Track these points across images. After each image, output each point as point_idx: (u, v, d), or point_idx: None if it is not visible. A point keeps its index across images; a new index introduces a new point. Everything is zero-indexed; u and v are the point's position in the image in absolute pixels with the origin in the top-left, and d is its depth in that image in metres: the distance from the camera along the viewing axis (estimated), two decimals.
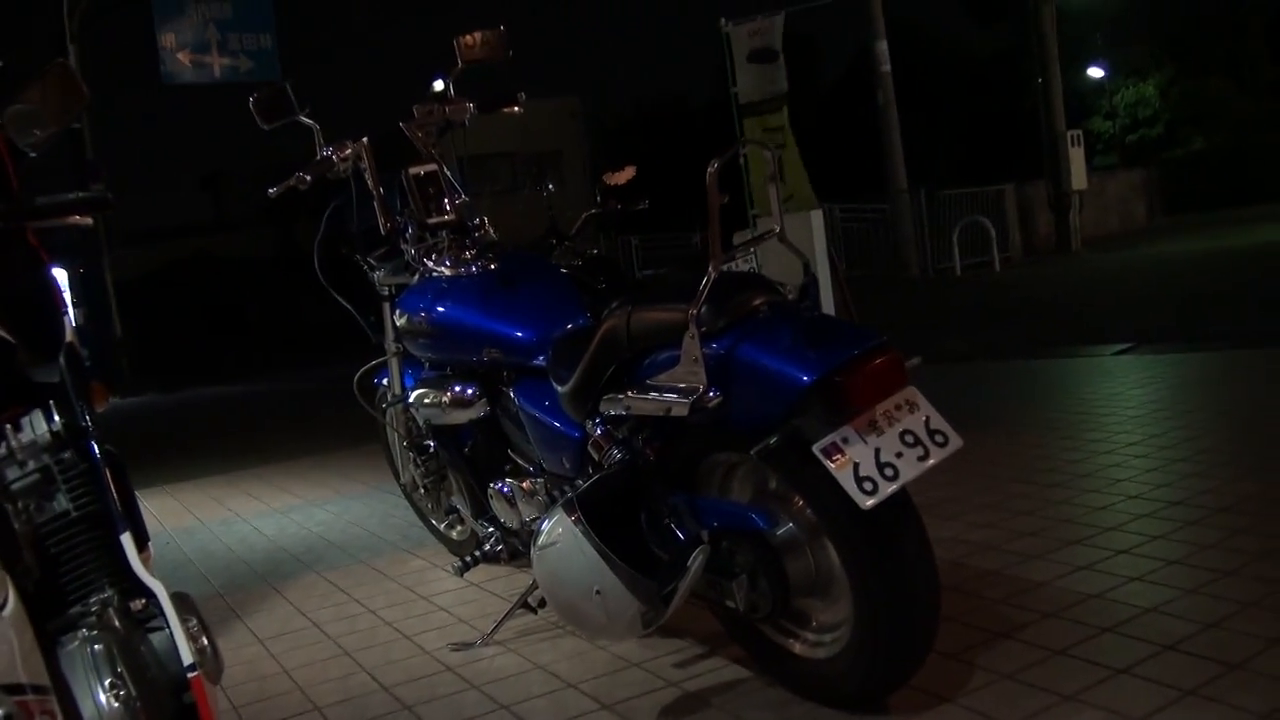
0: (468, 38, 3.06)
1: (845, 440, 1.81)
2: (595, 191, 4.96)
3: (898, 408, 1.85)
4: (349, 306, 3.23)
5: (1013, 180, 17.97)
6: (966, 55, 27.95)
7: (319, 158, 2.84)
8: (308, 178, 2.77)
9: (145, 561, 1.69)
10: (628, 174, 4.97)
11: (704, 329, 1.92)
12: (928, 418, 1.85)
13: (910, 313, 10.58)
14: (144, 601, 1.53)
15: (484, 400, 2.70)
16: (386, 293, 3.08)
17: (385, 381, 3.27)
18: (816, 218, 7.55)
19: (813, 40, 25.78)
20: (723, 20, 8.89)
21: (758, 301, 1.98)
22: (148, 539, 1.93)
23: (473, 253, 2.77)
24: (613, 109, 35.32)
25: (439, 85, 3.07)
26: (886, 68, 15.77)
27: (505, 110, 3.12)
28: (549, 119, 24.10)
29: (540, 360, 2.49)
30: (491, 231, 2.99)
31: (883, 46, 15.63)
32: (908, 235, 16.56)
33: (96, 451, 1.61)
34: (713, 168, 1.90)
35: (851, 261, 16.37)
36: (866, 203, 17.65)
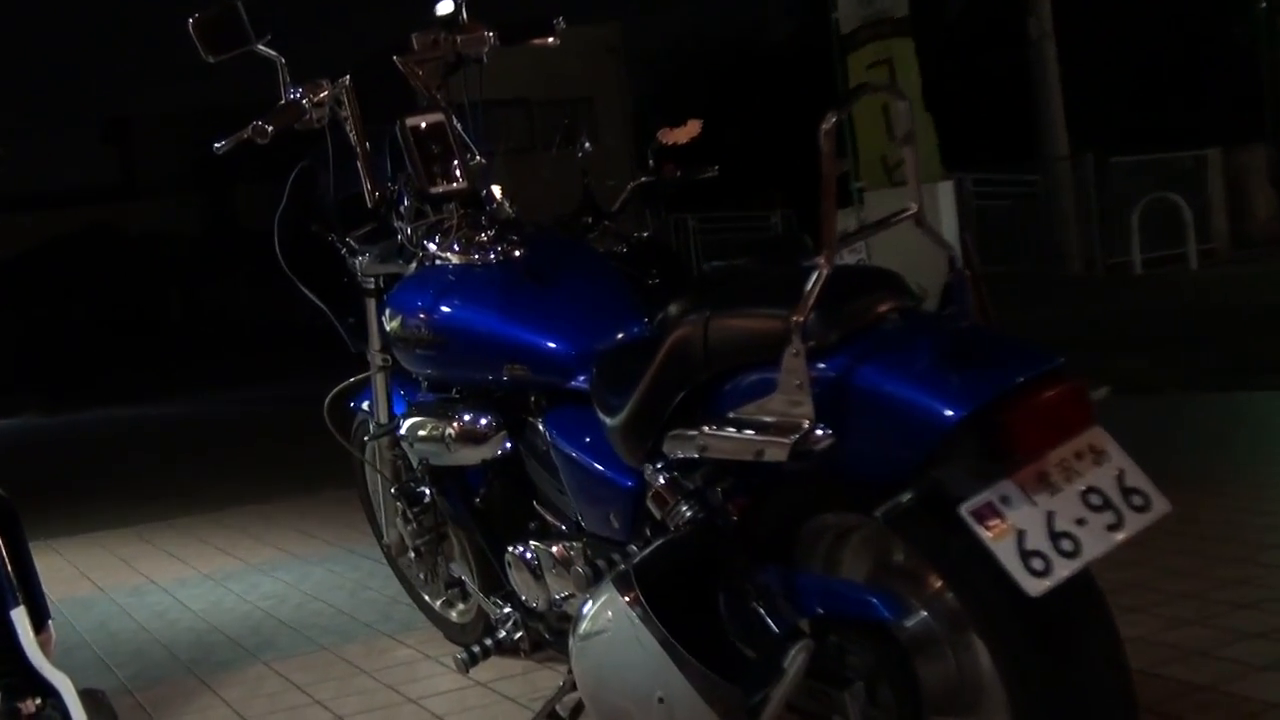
0: None
1: (1006, 500, 1.81)
2: (648, 154, 5.04)
3: (1079, 456, 1.84)
4: (319, 302, 3.28)
5: (1219, 144, 17.83)
6: None
7: (283, 101, 2.89)
8: (269, 128, 2.82)
9: (44, 646, 1.73)
10: (690, 131, 5.02)
11: (812, 343, 1.93)
12: (1121, 471, 1.84)
13: (1073, 323, 10.52)
14: (40, 701, 1.56)
15: (502, 434, 2.73)
16: (372, 286, 3.13)
17: (366, 406, 3.31)
18: (945, 192, 7.57)
19: None
20: None
21: (885, 307, 1.98)
22: (48, 616, 1.97)
23: (490, 234, 2.81)
24: (664, 41, 35.46)
25: (446, 6, 3.12)
26: None
27: (536, 42, 3.17)
28: (579, 54, 24.34)
29: (581, 381, 2.51)
30: (508, 205, 3.03)
31: None
32: (1068, 218, 16.49)
33: None
34: (829, 124, 1.91)
35: (990, 252, 16.29)
36: (1010, 173, 17.59)
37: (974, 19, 28.58)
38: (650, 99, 32.40)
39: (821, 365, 1.93)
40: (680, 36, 34.41)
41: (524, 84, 22.75)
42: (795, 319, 1.91)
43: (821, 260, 1.93)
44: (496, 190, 3.02)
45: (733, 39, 32.93)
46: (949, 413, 1.78)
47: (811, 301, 1.91)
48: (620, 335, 2.56)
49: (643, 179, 5.06)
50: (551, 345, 2.57)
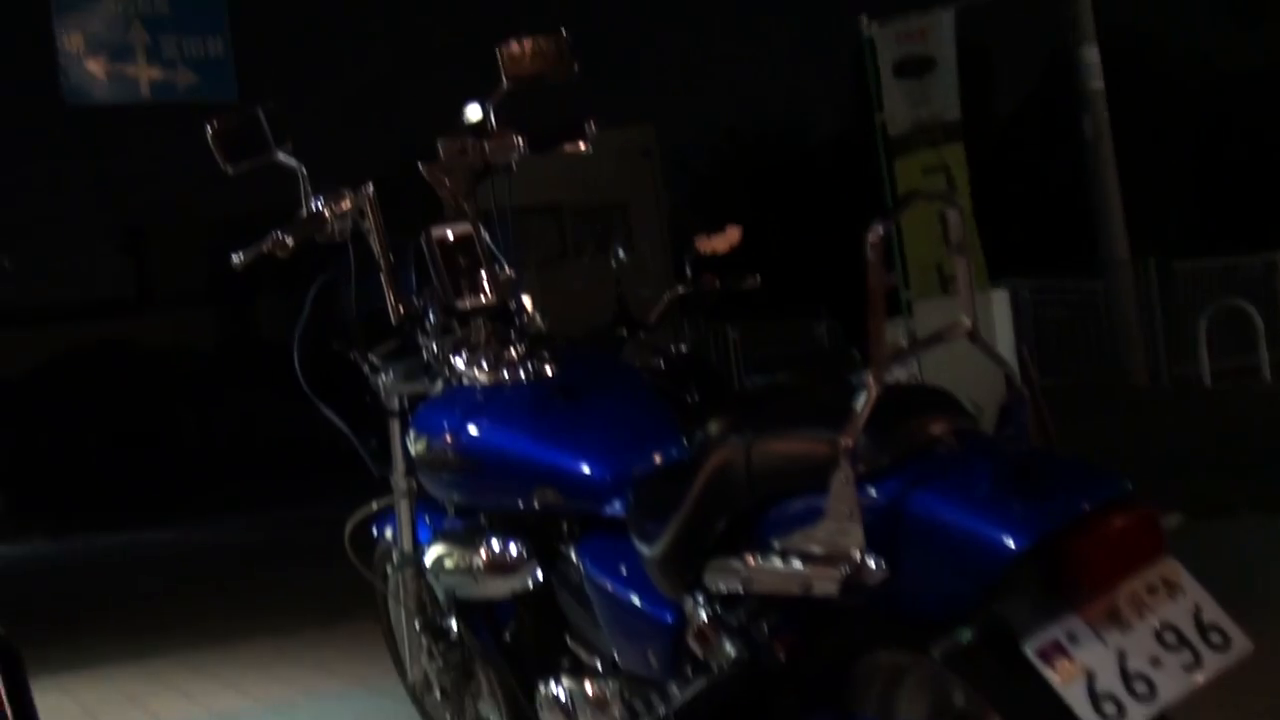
0: (515, 46, 3.18)
1: (1074, 637, 1.79)
2: (685, 263, 5.07)
3: (1151, 590, 1.82)
4: (340, 424, 3.28)
5: None
6: (1213, 70, 28.02)
7: (305, 213, 2.93)
8: (289, 240, 2.85)
9: None
10: (730, 239, 5.07)
11: (862, 468, 1.93)
12: (1197, 606, 1.82)
13: (1139, 441, 10.43)
14: None
15: (533, 564, 2.72)
16: (396, 406, 3.13)
17: (390, 533, 3.30)
18: (1000, 302, 7.58)
19: (984, 48, 26.00)
20: (863, 19, 9.06)
21: (939, 429, 1.99)
22: None
23: (520, 350, 2.83)
24: (700, 144, 35.88)
25: (475, 113, 3.18)
26: (1098, 84, 15.82)
27: (568, 149, 3.21)
28: (611, 158, 24.58)
29: (616, 508, 2.51)
30: (539, 319, 3.04)
31: (1093, 54, 15.70)
32: (1130, 327, 16.44)
33: None
34: (876, 235, 1.92)
35: (1048, 363, 16.24)
36: (1069, 279, 17.60)
37: (1027, 120, 28.85)
38: (687, 204, 32.74)
39: (872, 491, 1.93)
40: (718, 139, 34.82)
41: (554, 190, 22.93)
42: (844, 442, 1.91)
43: (870, 378, 1.94)
44: (527, 303, 3.05)
45: (773, 140, 33.32)
46: (1011, 543, 1.77)
47: (861, 423, 1.92)
48: (658, 458, 2.57)
49: (680, 290, 5.09)
50: (585, 469, 2.56)
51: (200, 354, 30.59)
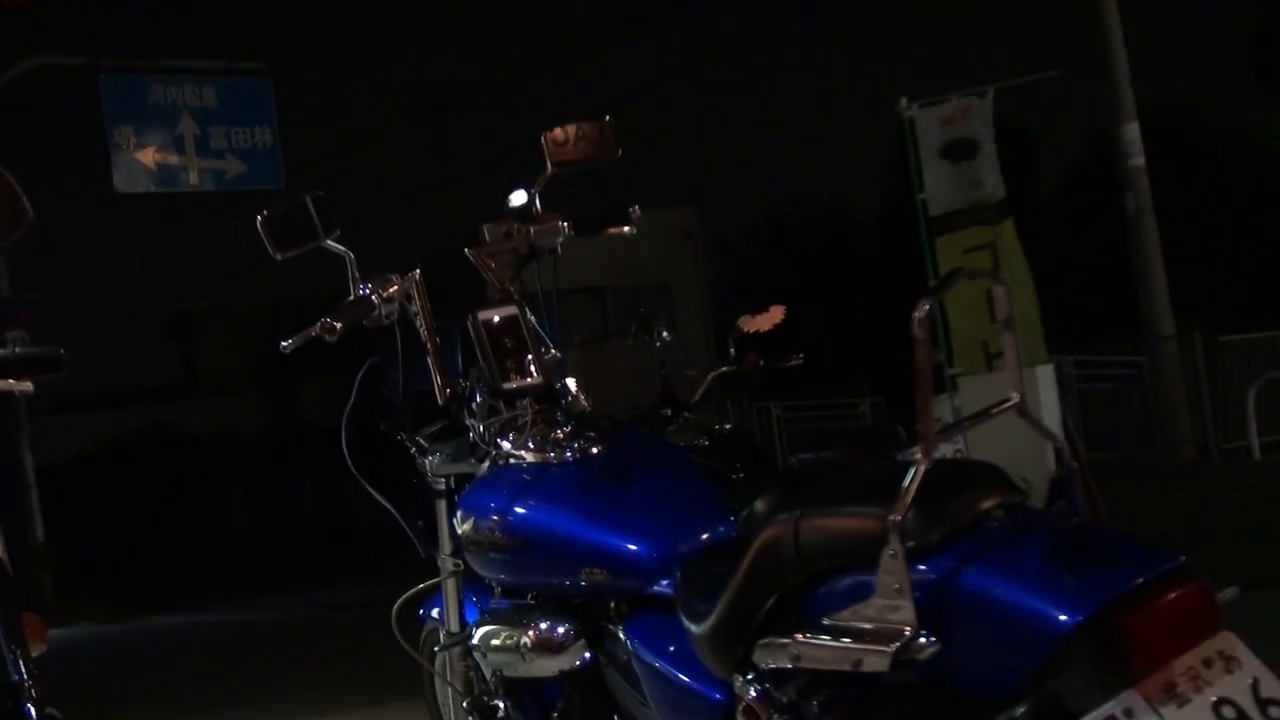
0: (559, 133, 3.22)
1: (1130, 713, 1.77)
2: (729, 342, 5.08)
3: (1208, 664, 1.80)
4: (387, 505, 3.29)
5: None
6: (1256, 143, 27.99)
7: (352, 297, 2.95)
8: (337, 325, 2.87)
9: None
10: (773, 318, 5.08)
11: (911, 544, 1.92)
12: (1255, 680, 1.80)
13: (1190, 516, 10.32)
14: None
15: (581, 643, 2.71)
16: (442, 486, 3.14)
17: (437, 613, 3.30)
18: (1046, 376, 7.53)
19: (1023, 128, 26.05)
20: (903, 101, 9.10)
21: (989, 504, 1.98)
22: None
23: (566, 431, 2.83)
24: (742, 224, 36.08)
25: (519, 198, 3.21)
26: (1139, 161, 15.81)
27: (611, 232, 3.23)
28: (653, 240, 24.78)
29: (664, 586, 2.51)
30: (584, 399, 3.05)
31: (1134, 131, 15.71)
32: (1178, 401, 16.29)
33: (35, 717, 1.64)
34: (922, 311, 1.92)
35: (1094, 438, 16.14)
36: (1113, 354, 17.51)
37: (1068, 195, 28.85)
38: (729, 284, 32.79)
39: (922, 567, 1.93)
40: (759, 220, 34.93)
41: (597, 272, 23.09)
42: (893, 518, 1.91)
43: (919, 454, 1.93)
44: (571, 384, 3.06)
45: (815, 220, 33.38)
46: (1063, 617, 1.76)
47: (909, 498, 1.91)
48: (705, 536, 2.56)
49: (724, 369, 5.10)
50: (632, 548, 2.56)
51: (247, 437, 30.70)
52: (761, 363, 5.04)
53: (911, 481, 1.91)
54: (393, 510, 3.31)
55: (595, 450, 2.78)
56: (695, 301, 27.31)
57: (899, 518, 1.90)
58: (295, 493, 27.19)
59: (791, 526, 2.12)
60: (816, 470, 4.76)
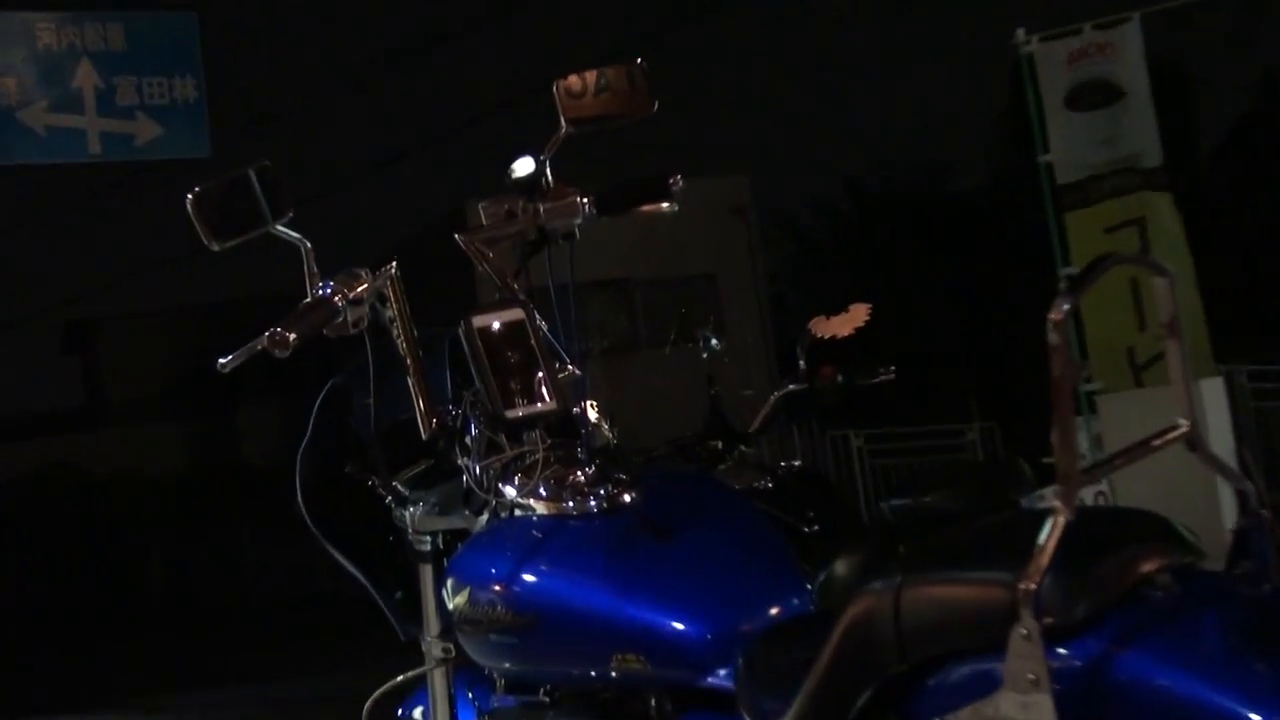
0: (575, 80, 3.22)
1: None
2: (797, 352, 5.08)
3: None
4: (355, 571, 3.29)
5: None
6: None
7: (309, 299, 2.94)
8: (290, 336, 2.85)
9: None
10: (853, 320, 5.08)
11: (1050, 620, 1.90)
12: None
13: None
14: None
15: None
16: (428, 547, 3.14)
17: (420, 713, 3.29)
18: (1214, 391, 7.49)
19: (1180, 67, 25.93)
20: (1019, 34, 9.05)
21: (1151, 566, 1.97)
22: None
23: (589, 471, 2.82)
24: (808, 199, 36.07)
25: (524, 167, 3.20)
26: None
27: (645, 210, 3.22)
28: (695, 218, 24.75)
29: (721, 678, 2.50)
30: (608, 428, 3.04)
31: None
32: None
33: None
34: (1059, 312, 1.91)
35: (1275, 471, 16.06)
36: None
37: (1234, 155, 28.75)
38: (793, 275, 32.84)
39: (1064, 651, 1.92)
40: (830, 192, 35.00)
41: (623, 261, 23.12)
42: (1025, 586, 1.90)
43: (1056, 499, 1.92)
44: (593, 409, 3.05)
45: (903, 192, 33.37)
46: (1256, 718, 1.75)
47: (1046, 560, 1.90)
48: (774, 610, 2.56)
49: (790, 387, 5.10)
50: (678, 627, 2.55)
51: (170, 481, 30.86)
52: (839, 379, 5.04)
53: (1049, 537, 1.89)
54: (361, 577, 3.31)
55: (627, 497, 2.77)
56: (750, 299, 27.31)
57: (1033, 586, 1.89)
58: (232, 553, 27.32)
59: (889, 598, 2.11)
60: (916, 521, 4.77)
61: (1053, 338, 1.90)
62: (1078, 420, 8.62)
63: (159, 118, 15.90)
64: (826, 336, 5.00)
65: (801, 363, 5.05)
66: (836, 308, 5.05)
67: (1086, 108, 8.61)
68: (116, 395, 35.58)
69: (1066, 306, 1.91)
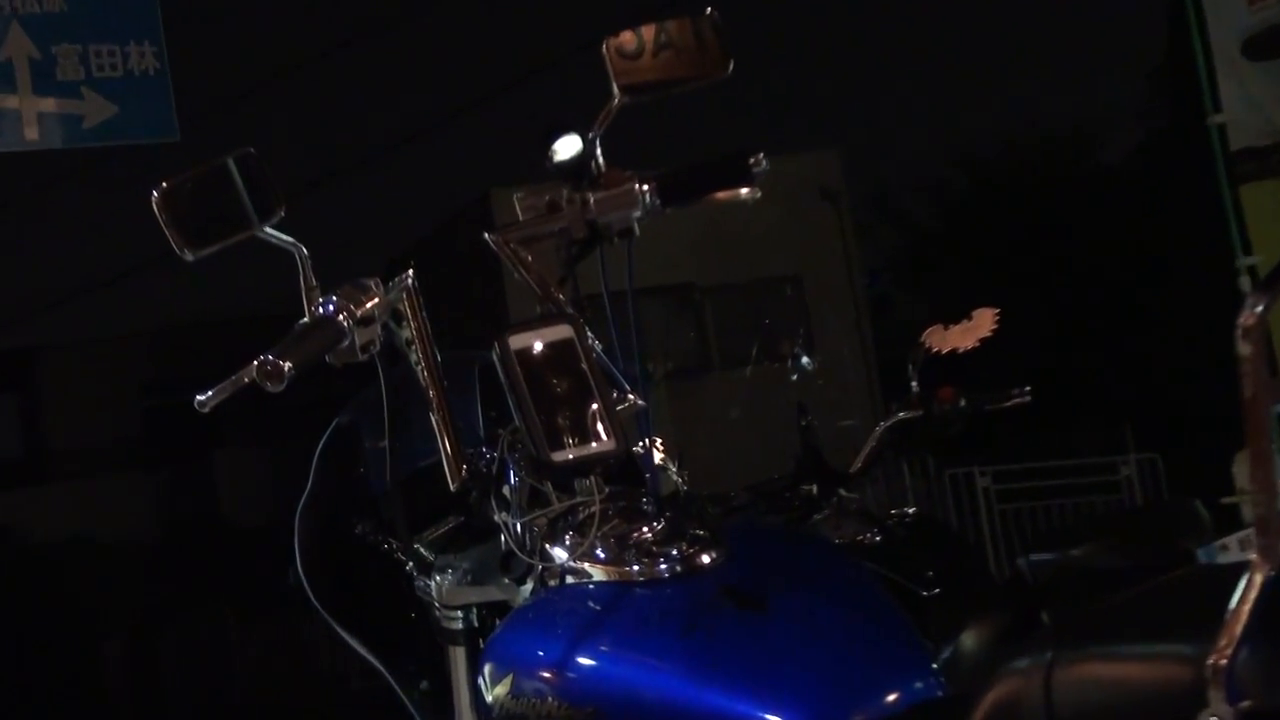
0: (629, 37, 3.19)
1: None
2: (910, 371, 5.06)
3: None
4: (369, 655, 3.30)
5: None
6: None
7: (307, 319, 2.94)
8: (285, 365, 2.84)
9: None
10: (977, 329, 5.06)
11: (1248, 704, 1.89)
12: None
13: None
14: None
15: None
16: (459, 624, 3.14)
17: None
18: None
19: None
20: None
21: None
22: None
23: (657, 526, 2.82)
24: (914, 179, 35.86)
25: (569, 147, 3.20)
26: None
27: (721, 197, 3.21)
28: (775, 205, 24.57)
29: None
30: (674, 471, 3.04)
31: None
32: None
33: None
34: (1251, 316, 1.89)
35: None
36: None
37: None
38: (897, 274, 32.73)
39: None
40: (941, 169, 34.83)
41: (686, 260, 23.01)
42: (1214, 661, 1.89)
43: (1250, 550, 1.91)
44: (658, 449, 3.05)
45: (1028, 167, 33.19)
46: None
47: (1240, 628, 1.89)
48: (890, 697, 2.55)
49: (899, 415, 5.09)
50: (777, 719, 2.54)
51: (130, 547, 30.89)
52: (962, 403, 5.02)
53: (1242, 599, 1.88)
54: (377, 663, 3.32)
55: (706, 558, 2.76)
56: (845, 305, 27.11)
57: (1224, 661, 1.87)
58: (211, 637, 27.28)
59: (1038, 680, 2.10)
60: (1065, 581, 4.73)
61: (1243, 348, 1.89)
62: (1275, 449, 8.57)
63: (111, 94, 15.83)
64: (944, 351, 4.97)
65: (914, 384, 5.03)
66: (955, 314, 5.02)
67: (1271, 56, 8.55)
68: (61, 442, 35.58)
69: (1260, 308, 1.89)
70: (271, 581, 3.36)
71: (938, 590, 4.52)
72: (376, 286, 2.93)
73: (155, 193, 2.97)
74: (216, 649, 27.11)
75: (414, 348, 2.96)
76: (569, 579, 2.85)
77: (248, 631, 25.63)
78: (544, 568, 2.87)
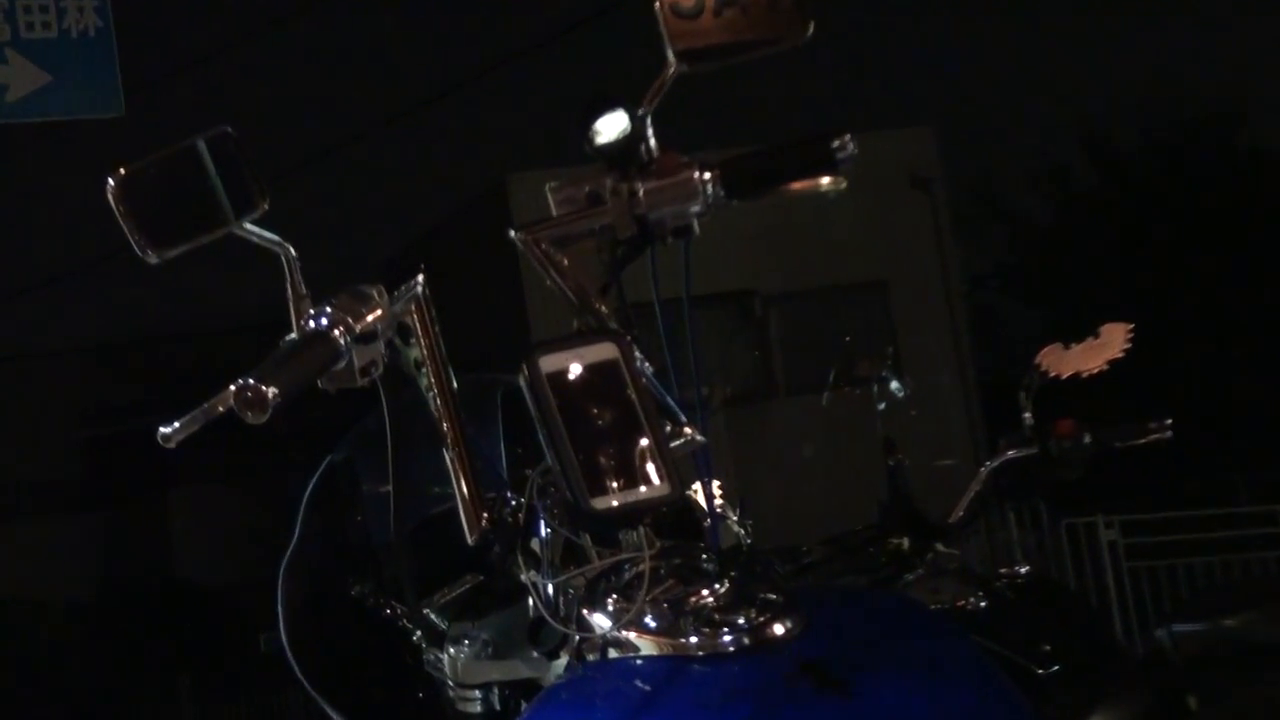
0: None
1: None
2: (1021, 400, 5.05)
3: None
4: None
5: None
6: None
7: (296, 334, 2.95)
8: (269, 391, 2.86)
9: None
10: (1107, 349, 5.06)
11: None
12: None
13: None
14: None
15: None
16: (478, 707, 3.15)
17: None
18: None
19: None
20: None
21: None
22: None
23: (720, 590, 2.82)
24: (1025, 162, 35.77)
25: (613, 125, 3.20)
26: None
27: (798, 188, 3.21)
28: (856, 196, 24.34)
29: None
30: (736, 521, 3.05)
31: None
32: None
33: None
34: None
35: None
36: None
37: None
38: (1005, 278, 32.65)
39: None
40: (1055, 152, 34.73)
41: (747, 263, 22.91)
42: None
43: None
44: (718, 492, 3.05)
45: (1165, 151, 33.06)
46: None
47: None
48: None
49: (1009, 453, 5.09)
50: None
51: (68, 607, 30.95)
52: (1086, 439, 5.00)
53: None
54: None
55: (780, 628, 2.76)
56: (941, 316, 26.97)
57: None
58: (167, 716, 27.28)
59: None
60: (1216, 657, 4.70)
61: None
62: None
63: (43, 60, 15.88)
64: (1065, 375, 4.97)
65: (1027, 415, 5.03)
66: (1078, 330, 5.02)
67: None
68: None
69: None
70: (239, 650, 3.37)
71: (1056, 667, 4.52)
72: (380, 296, 2.92)
73: (111, 180, 2.96)
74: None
75: (424, 370, 2.96)
76: (611, 652, 2.84)
77: (207, 707, 25.60)
78: (581, 638, 2.87)
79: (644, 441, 2.85)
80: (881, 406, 4.78)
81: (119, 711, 28.07)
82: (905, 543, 4.84)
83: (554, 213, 3.13)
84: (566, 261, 3.09)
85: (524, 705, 2.99)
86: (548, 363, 2.85)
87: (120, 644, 28.44)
